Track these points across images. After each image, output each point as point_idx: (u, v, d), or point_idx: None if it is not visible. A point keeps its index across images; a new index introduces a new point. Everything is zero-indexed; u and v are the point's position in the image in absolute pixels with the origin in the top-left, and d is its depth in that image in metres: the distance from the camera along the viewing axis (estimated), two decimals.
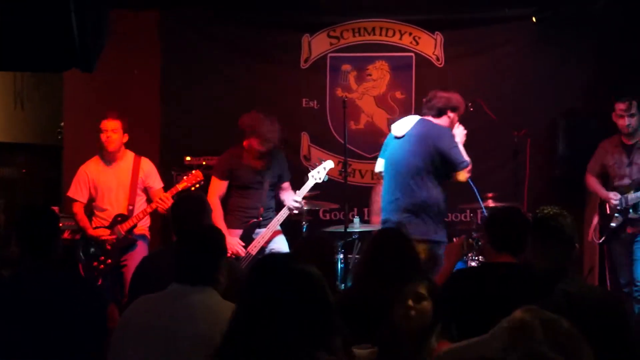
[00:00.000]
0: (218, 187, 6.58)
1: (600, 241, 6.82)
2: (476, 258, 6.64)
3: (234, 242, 6.39)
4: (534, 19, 7.86)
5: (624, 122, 6.68)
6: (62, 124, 8.31)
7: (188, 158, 7.63)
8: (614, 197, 6.66)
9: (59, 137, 8.39)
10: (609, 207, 6.74)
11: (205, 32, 8.22)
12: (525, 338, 2.45)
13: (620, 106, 6.68)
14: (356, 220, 7.15)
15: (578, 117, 7.67)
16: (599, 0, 7.56)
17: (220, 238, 3.69)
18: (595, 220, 6.88)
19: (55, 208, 6.21)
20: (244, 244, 6.46)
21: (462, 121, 7.22)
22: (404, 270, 3.83)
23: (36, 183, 8.89)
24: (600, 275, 7.07)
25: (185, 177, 6.56)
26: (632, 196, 6.59)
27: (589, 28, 7.74)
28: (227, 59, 8.21)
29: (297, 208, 6.61)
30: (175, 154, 7.88)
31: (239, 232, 6.52)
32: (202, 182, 6.51)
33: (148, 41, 8.10)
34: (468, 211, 7.82)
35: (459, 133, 6.20)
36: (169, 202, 6.32)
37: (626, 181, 6.71)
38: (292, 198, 6.57)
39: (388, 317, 3.34)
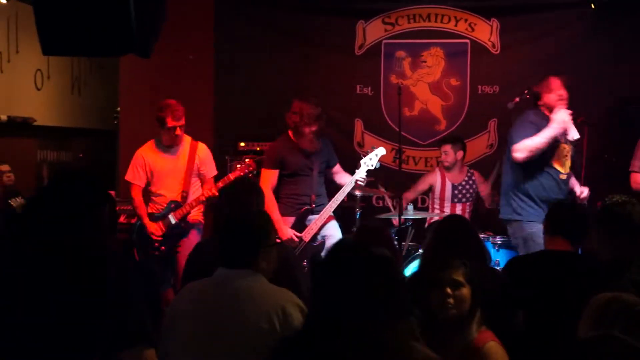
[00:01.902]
0: (269, 177, 6.57)
1: None
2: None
3: (288, 230, 6.39)
4: (592, 5, 7.74)
5: None
6: (118, 109, 8.38)
7: (242, 144, 7.66)
8: None
9: (115, 122, 8.46)
10: None
11: (259, 17, 8.22)
12: (609, 318, 2.44)
13: None
14: (410, 207, 7.10)
15: (636, 104, 7.53)
16: None
17: (263, 222, 3.66)
18: None
19: (112, 192, 6.25)
20: (297, 232, 6.45)
21: (519, 109, 7.17)
22: (467, 256, 3.80)
23: (92, 167, 8.97)
24: None
25: (238, 166, 6.54)
26: None
27: None
28: (280, 45, 8.21)
29: (361, 183, 6.59)
30: (228, 139, 7.92)
31: (292, 219, 6.52)
32: (255, 171, 6.51)
33: (202, 26, 8.14)
34: None
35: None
36: (211, 193, 6.38)
37: None
38: (357, 175, 6.56)
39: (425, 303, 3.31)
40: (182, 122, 6.51)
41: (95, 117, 9.10)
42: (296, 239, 6.42)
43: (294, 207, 6.57)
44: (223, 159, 7.45)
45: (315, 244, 6.50)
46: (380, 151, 6.65)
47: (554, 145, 6.08)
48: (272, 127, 7.60)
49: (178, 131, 6.51)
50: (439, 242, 4.17)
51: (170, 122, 6.45)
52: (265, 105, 8.08)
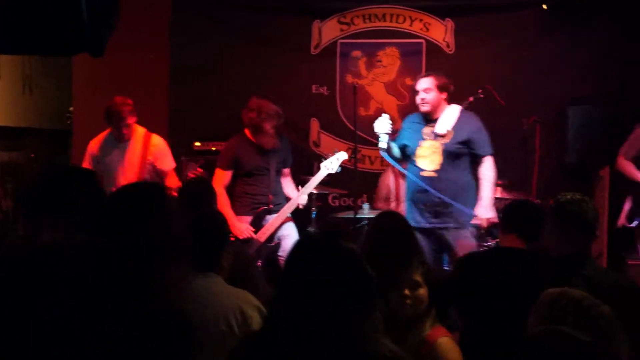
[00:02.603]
0: (222, 177, 6.53)
1: (633, 225, 6.74)
2: (485, 243, 6.61)
3: (243, 227, 6.37)
4: (544, 6, 7.84)
5: None
6: (72, 108, 8.28)
7: (197, 144, 7.61)
8: None
9: (68, 121, 8.36)
10: None
11: (216, 16, 8.19)
12: (557, 314, 2.48)
13: None
14: (365, 206, 7.13)
15: (588, 104, 7.63)
16: None
17: (222, 222, 3.66)
18: (627, 205, 6.79)
19: None
20: (253, 230, 6.43)
21: (473, 108, 7.23)
22: (400, 254, 3.82)
23: (45, 168, 8.86)
24: (617, 260, 7.00)
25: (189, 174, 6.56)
26: None
27: (600, 15, 7.73)
28: (237, 44, 8.19)
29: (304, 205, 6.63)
30: (184, 139, 7.85)
31: (249, 218, 6.49)
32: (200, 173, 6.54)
33: (158, 25, 8.08)
34: None
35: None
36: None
37: None
38: (300, 196, 6.57)
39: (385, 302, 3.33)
40: (128, 120, 6.47)
41: (47, 117, 8.98)
42: (252, 235, 6.39)
43: (250, 207, 6.54)
44: (178, 159, 7.40)
45: (271, 244, 6.49)
46: (342, 155, 6.67)
47: (416, 142, 6.12)
48: (228, 126, 7.56)
49: (124, 130, 6.49)
50: (374, 238, 4.19)
51: (115, 121, 6.46)
52: (221, 105, 8.05)
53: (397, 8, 8.20)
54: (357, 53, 8.28)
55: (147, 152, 6.59)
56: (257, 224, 6.48)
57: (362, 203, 7.27)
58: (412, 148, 6.16)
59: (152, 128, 7.30)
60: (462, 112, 6.20)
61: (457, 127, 6.05)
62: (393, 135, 6.17)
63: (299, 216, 7.03)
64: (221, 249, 3.48)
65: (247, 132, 6.56)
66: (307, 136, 8.20)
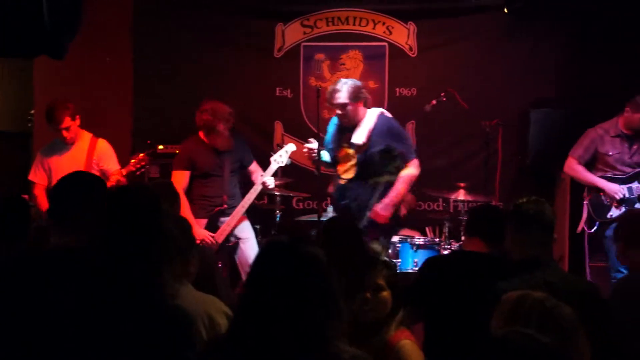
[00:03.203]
0: (180, 179, 6.52)
1: (592, 231, 6.80)
2: (448, 246, 6.65)
3: (202, 231, 6.36)
4: (505, 10, 7.90)
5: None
6: (32, 111, 8.20)
7: (161, 147, 7.56)
8: (620, 190, 6.66)
9: (29, 124, 8.28)
10: (607, 197, 6.72)
11: (179, 19, 8.14)
12: (519, 316, 2.50)
13: None
14: (329, 209, 7.12)
15: (549, 107, 7.70)
16: None
17: (188, 228, 3.65)
18: (586, 210, 6.85)
19: (26, 196, 6.12)
20: (211, 234, 6.41)
21: (436, 111, 7.29)
22: (354, 257, 3.84)
23: (5, 170, 8.76)
24: (578, 263, 7.07)
25: (132, 161, 6.51)
26: (638, 186, 6.67)
27: (560, 20, 7.81)
28: (200, 47, 8.15)
29: (267, 186, 6.59)
30: (148, 142, 7.80)
31: (205, 221, 6.47)
32: (147, 165, 6.54)
33: (120, 28, 8.02)
34: (440, 200, 7.84)
35: None
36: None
37: (627, 170, 6.74)
38: (261, 177, 6.54)
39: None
40: (65, 124, 6.45)
41: (8, 119, 8.88)
42: (211, 240, 6.38)
43: (207, 209, 6.53)
44: None
45: (229, 244, 6.47)
46: (290, 147, 6.69)
47: (337, 147, 6.08)
48: (191, 129, 7.55)
49: (64, 133, 6.49)
50: (325, 242, 4.18)
51: (53, 124, 6.47)
52: (184, 108, 7.97)
53: (360, 11, 8.21)
54: (320, 56, 8.28)
55: (93, 155, 6.61)
56: (214, 226, 6.46)
57: (327, 206, 7.26)
58: (333, 153, 6.16)
59: (115, 131, 7.28)
60: (380, 118, 6.10)
61: (374, 137, 5.96)
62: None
63: (263, 219, 7.04)
64: (190, 254, 3.47)
65: (201, 134, 6.55)
66: (271, 139, 8.18)
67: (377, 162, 5.88)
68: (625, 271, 6.18)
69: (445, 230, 6.97)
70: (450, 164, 8.06)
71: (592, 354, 2.56)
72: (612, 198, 6.65)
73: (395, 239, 6.75)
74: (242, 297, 2.43)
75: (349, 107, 6.13)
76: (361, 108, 6.13)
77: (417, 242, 6.72)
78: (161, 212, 2.75)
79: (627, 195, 6.62)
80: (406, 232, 7.34)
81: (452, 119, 7.82)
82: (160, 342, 2.55)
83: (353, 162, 5.97)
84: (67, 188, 3.13)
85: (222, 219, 6.50)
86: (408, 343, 3.28)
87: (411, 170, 6.20)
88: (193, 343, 2.62)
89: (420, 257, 6.52)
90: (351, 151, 5.90)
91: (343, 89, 6.15)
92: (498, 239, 4.01)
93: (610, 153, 6.76)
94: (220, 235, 6.41)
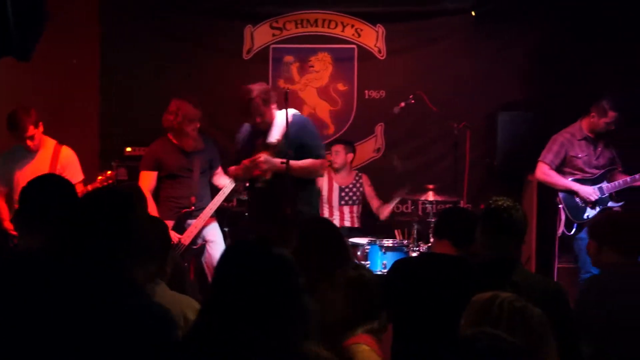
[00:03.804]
0: (147, 180, 6.45)
1: (572, 234, 6.84)
2: (417, 248, 6.67)
3: (170, 234, 6.29)
4: (473, 13, 7.94)
5: (610, 127, 6.74)
6: None
7: (128, 149, 7.51)
8: (593, 191, 6.72)
9: None
10: (581, 199, 6.77)
11: (146, 19, 8.09)
12: (489, 317, 2.51)
13: (614, 115, 6.70)
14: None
15: (516, 109, 7.75)
16: None
17: (164, 228, 3.65)
18: (563, 213, 6.89)
19: None
20: (178, 235, 6.36)
21: (405, 114, 7.31)
22: (327, 256, 3.83)
23: None
24: (546, 264, 7.11)
25: (99, 178, 6.40)
26: (607, 185, 6.74)
27: (527, 25, 7.88)
28: (168, 49, 8.10)
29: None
30: (115, 144, 7.75)
31: (171, 222, 6.41)
32: (114, 182, 6.43)
33: (87, 30, 7.95)
34: (409, 202, 7.86)
35: None
36: None
37: (595, 171, 6.81)
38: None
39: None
40: (28, 132, 6.29)
41: None
42: (178, 241, 6.33)
43: (174, 210, 6.44)
44: (109, 164, 7.29)
45: (195, 247, 6.42)
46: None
47: (249, 153, 5.85)
48: (159, 132, 7.51)
49: (27, 141, 6.32)
50: (304, 244, 4.16)
51: (15, 131, 6.32)
52: (152, 110, 7.89)
53: (329, 14, 8.22)
54: (289, 58, 8.28)
55: (57, 163, 6.46)
56: (181, 227, 6.39)
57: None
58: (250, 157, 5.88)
59: (83, 134, 7.21)
60: (294, 117, 5.91)
61: (289, 135, 5.70)
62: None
63: (232, 219, 7.01)
64: (166, 254, 3.47)
65: (169, 135, 6.50)
66: None
67: (295, 157, 5.73)
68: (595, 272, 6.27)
69: (414, 232, 7.00)
70: (418, 166, 8.09)
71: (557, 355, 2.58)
72: (587, 200, 6.71)
73: (364, 240, 6.76)
74: (207, 297, 2.42)
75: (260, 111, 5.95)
76: (273, 110, 6.00)
77: (385, 245, 6.74)
78: (134, 213, 2.72)
79: (600, 195, 6.71)
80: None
81: (420, 122, 7.85)
82: (142, 339, 2.51)
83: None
84: (36, 191, 3.11)
85: (190, 220, 6.44)
86: (366, 349, 3.22)
87: (318, 164, 6.01)
88: (175, 338, 2.60)
89: (389, 259, 6.54)
90: (268, 153, 5.76)
91: (249, 99, 5.88)
92: (467, 241, 4.02)
93: (580, 156, 6.82)
94: (187, 237, 6.35)
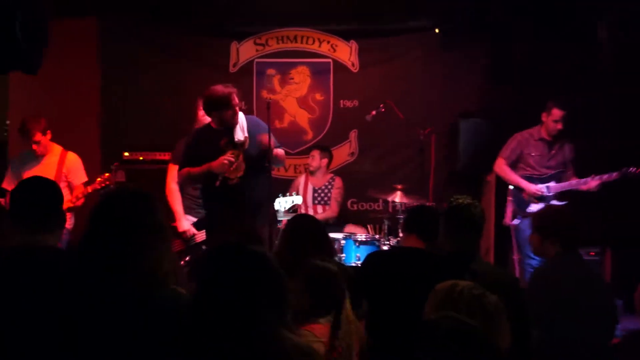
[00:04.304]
0: (174, 172, 6.15)
1: (514, 223, 6.89)
2: (387, 242, 6.69)
3: (186, 224, 6.25)
4: (436, 30, 7.98)
5: (558, 126, 6.73)
6: (8, 121, 8.07)
7: (126, 154, 7.49)
8: (541, 189, 6.73)
9: (5, 133, 8.15)
10: (528, 194, 6.78)
11: (142, 37, 8.07)
12: (450, 303, 2.52)
13: (559, 113, 6.71)
14: (280, 210, 7.10)
15: (475, 117, 7.79)
16: (493, 13, 7.69)
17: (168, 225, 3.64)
18: (510, 206, 6.93)
19: (1, 200, 6.02)
20: (195, 231, 6.23)
21: (376, 121, 7.33)
22: (312, 249, 3.83)
23: None
24: (504, 256, 7.15)
25: (98, 179, 6.34)
26: (554, 185, 6.73)
27: (484, 41, 7.92)
28: (161, 63, 8.08)
29: None
30: (114, 149, 7.71)
31: (194, 219, 6.32)
32: (111, 185, 6.35)
33: (87, 46, 7.90)
34: (380, 201, 7.88)
35: None
36: (81, 201, 6.20)
37: (546, 171, 6.81)
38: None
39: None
40: (36, 137, 6.33)
41: None
42: (190, 235, 6.24)
43: (192, 207, 6.38)
44: (109, 168, 7.26)
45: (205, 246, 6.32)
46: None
47: (217, 152, 5.49)
48: (154, 138, 7.53)
49: (34, 146, 6.36)
50: (288, 238, 4.17)
51: (25, 138, 6.38)
52: (148, 118, 7.96)
53: (307, 31, 8.23)
54: (271, 71, 8.28)
55: (63, 167, 6.47)
56: (200, 226, 6.21)
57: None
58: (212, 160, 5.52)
59: (85, 140, 7.19)
60: (247, 116, 5.71)
61: (250, 131, 5.54)
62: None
63: None
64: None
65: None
66: None
67: (259, 154, 5.53)
68: (534, 257, 6.24)
69: (385, 227, 7.02)
70: (388, 168, 8.12)
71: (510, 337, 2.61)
72: (533, 195, 6.75)
73: (339, 235, 6.77)
74: (195, 291, 2.40)
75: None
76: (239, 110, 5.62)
77: (359, 239, 6.75)
78: (158, 209, 2.71)
79: (545, 193, 6.74)
80: (350, 229, 7.39)
81: (390, 128, 7.87)
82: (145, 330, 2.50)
83: (240, 159, 5.46)
84: (31, 191, 3.09)
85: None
86: (313, 337, 3.15)
87: (284, 154, 5.91)
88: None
89: (362, 252, 6.54)
90: (235, 151, 5.46)
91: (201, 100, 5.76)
92: (432, 235, 4.03)
93: (533, 154, 6.85)
94: (201, 236, 6.24)
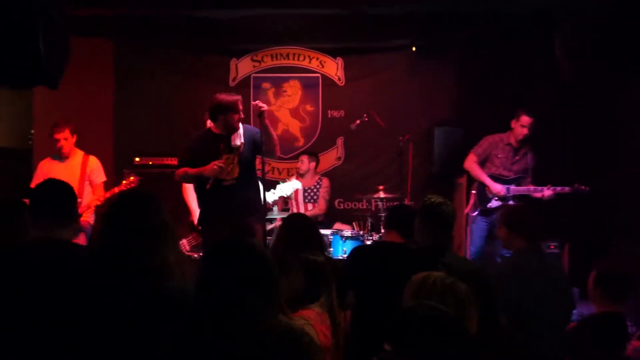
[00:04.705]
0: None
1: (473, 214, 6.90)
2: (370, 237, 6.70)
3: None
4: (413, 48, 8.01)
5: (524, 131, 6.73)
6: (33, 131, 8.06)
7: (137, 159, 7.48)
8: (502, 189, 6.73)
9: (30, 142, 8.13)
10: (490, 192, 6.79)
11: (152, 53, 8.07)
12: (425, 291, 2.54)
13: (527, 120, 6.71)
14: (274, 209, 7.11)
15: (448, 125, 7.81)
16: (462, 32, 7.73)
17: (173, 227, 3.64)
18: (472, 198, 6.95)
19: (26, 200, 6.00)
20: None
21: (360, 129, 7.34)
22: (304, 244, 3.85)
23: (10, 182, 8.58)
24: None
25: (123, 182, 6.39)
26: (514, 188, 6.73)
27: (454, 55, 7.95)
28: (168, 77, 8.07)
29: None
30: (126, 155, 7.70)
31: None
32: (134, 186, 6.39)
33: (103, 63, 7.91)
34: (364, 200, 7.89)
35: None
36: (103, 199, 6.30)
37: (509, 174, 6.82)
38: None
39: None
40: (63, 134, 6.45)
41: (13, 138, 8.70)
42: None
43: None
44: (121, 171, 7.26)
45: None
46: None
47: (215, 155, 5.48)
48: (163, 145, 7.53)
49: (61, 142, 6.47)
50: (283, 234, 4.20)
51: (54, 135, 6.50)
52: (157, 127, 7.96)
53: (298, 49, 8.24)
54: (266, 85, 8.29)
55: (86, 168, 6.57)
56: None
57: (272, 206, 7.25)
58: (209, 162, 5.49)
59: (100, 146, 7.19)
60: (243, 125, 5.69)
61: (245, 137, 5.56)
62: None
63: None
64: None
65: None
66: None
67: (253, 156, 5.60)
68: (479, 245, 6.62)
69: (368, 224, 7.03)
70: (371, 171, 8.13)
71: (478, 321, 2.62)
72: (495, 194, 6.77)
73: (328, 232, 6.78)
74: (197, 285, 2.40)
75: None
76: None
77: (345, 234, 6.77)
78: (164, 209, 2.72)
79: (506, 193, 6.74)
80: (337, 226, 7.41)
81: (372, 135, 7.89)
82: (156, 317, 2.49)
83: (235, 162, 5.48)
84: (47, 191, 3.11)
85: None
86: (304, 322, 3.15)
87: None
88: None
89: (348, 246, 6.56)
90: (231, 155, 5.49)
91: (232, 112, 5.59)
92: (411, 231, 4.04)
93: (500, 156, 6.86)
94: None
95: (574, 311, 4.48)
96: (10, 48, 3.97)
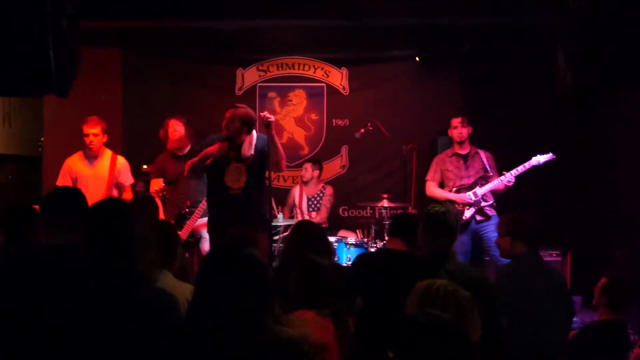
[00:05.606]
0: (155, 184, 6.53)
1: None
2: (374, 245, 6.69)
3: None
4: (417, 59, 8.01)
5: (459, 131, 6.77)
6: (42, 138, 8.08)
7: (145, 166, 7.49)
8: (468, 197, 6.67)
9: (40, 149, 8.16)
10: (459, 204, 6.70)
11: (160, 63, 8.10)
12: (429, 298, 2.54)
13: (455, 120, 6.79)
14: (280, 215, 7.13)
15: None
16: (465, 44, 7.74)
17: (174, 229, 3.68)
18: None
19: (36, 207, 6.01)
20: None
21: (364, 138, 7.34)
22: (312, 248, 3.86)
23: (21, 187, 8.62)
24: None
25: (152, 189, 6.44)
26: (480, 190, 6.67)
27: (456, 66, 7.95)
28: (176, 87, 8.10)
29: None
30: (134, 163, 7.70)
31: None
32: (167, 194, 6.42)
33: (111, 72, 7.93)
34: (368, 208, 7.89)
35: None
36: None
37: (466, 181, 6.76)
38: None
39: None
40: (95, 130, 6.43)
41: (23, 145, 8.74)
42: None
43: (171, 211, 6.44)
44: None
45: (192, 239, 6.30)
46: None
47: (225, 164, 5.58)
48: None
49: (90, 137, 6.43)
50: (293, 239, 4.22)
51: (84, 130, 6.43)
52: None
53: (303, 59, 8.26)
54: (272, 94, 8.30)
55: (115, 168, 6.56)
56: (179, 226, 6.22)
57: (278, 213, 7.27)
58: (220, 170, 5.62)
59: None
60: (258, 135, 5.78)
61: (256, 147, 5.64)
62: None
63: None
64: (173, 249, 3.51)
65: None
66: None
67: (260, 166, 5.61)
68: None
69: (372, 232, 7.02)
70: (375, 179, 8.13)
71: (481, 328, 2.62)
72: (464, 204, 6.72)
73: (332, 239, 6.77)
74: (194, 292, 2.40)
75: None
76: (245, 130, 5.72)
77: (349, 242, 6.76)
78: (131, 218, 2.74)
79: (473, 199, 6.68)
80: (342, 233, 7.40)
81: (376, 144, 7.89)
82: (145, 317, 2.49)
83: (243, 171, 5.56)
84: (56, 198, 3.12)
85: (184, 220, 6.29)
86: (302, 321, 3.16)
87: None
88: (177, 316, 2.57)
89: (352, 253, 6.56)
90: (240, 164, 5.57)
91: (232, 114, 5.76)
92: (414, 239, 4.04)
93: (450, 169, 6.84)
94: (184, 233, 6.20)
95: (576, 319, 4.46)
96: (21, 58, 3.99)
